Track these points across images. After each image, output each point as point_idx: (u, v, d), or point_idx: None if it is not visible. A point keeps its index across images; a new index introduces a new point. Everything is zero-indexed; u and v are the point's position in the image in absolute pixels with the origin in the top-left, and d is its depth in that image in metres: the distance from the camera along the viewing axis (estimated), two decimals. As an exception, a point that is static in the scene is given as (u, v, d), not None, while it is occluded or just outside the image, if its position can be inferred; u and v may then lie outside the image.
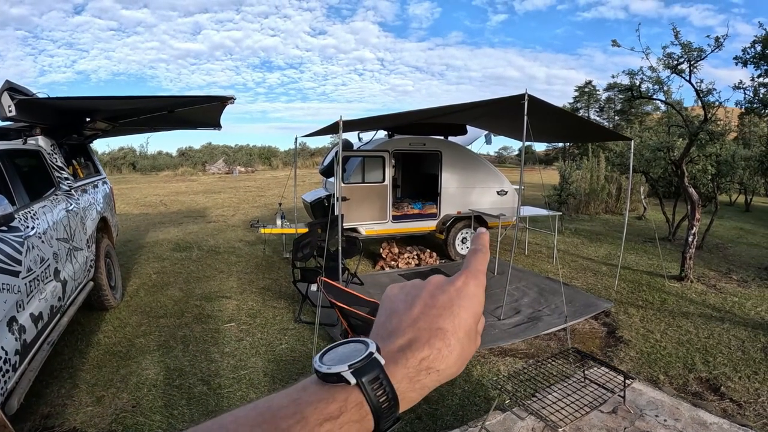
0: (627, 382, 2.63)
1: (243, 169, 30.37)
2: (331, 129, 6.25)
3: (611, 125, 39.91)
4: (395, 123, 7.49)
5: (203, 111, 5.78)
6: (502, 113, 6.53)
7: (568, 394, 2.57)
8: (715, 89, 6.61)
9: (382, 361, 0.44)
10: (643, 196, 13.86)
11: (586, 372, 2.83)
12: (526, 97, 5.12)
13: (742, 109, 7.36)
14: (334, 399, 0.42)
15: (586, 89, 46.08)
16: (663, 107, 8.34)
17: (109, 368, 4.28)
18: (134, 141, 32.92)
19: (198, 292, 6.43)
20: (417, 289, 0.52)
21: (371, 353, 0.44)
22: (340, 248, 5.60)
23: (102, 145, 36.70)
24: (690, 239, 7.22)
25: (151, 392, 3.90)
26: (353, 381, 0.42)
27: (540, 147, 47.78)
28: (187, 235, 10.15)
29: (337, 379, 0.42)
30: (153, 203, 15.51)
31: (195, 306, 5.91)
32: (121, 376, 4.13)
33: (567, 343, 4.84)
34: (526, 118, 5.12)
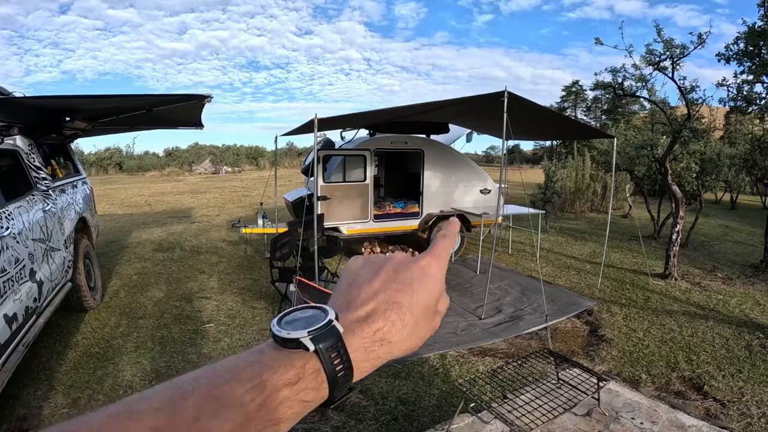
0: (600, 384, 2.53)
1: (230, 169, 30.14)
2: (307, 127, 6.09)
3: (598, 124, 40.13)
4: (373, 121, 7.36)
5: (183, 110, 5.66)
6: (483, 111, 6.44)
7: (540, 396, 2.47)
8: (698, 86, 6.58)
9: (341, 329, 0.44)
10: (628, 195, 13.85)
11: (560, 373, 2.73)
12: (505, 94, 5.02)
13: (726, 107, 7.33)
14: (292, 365, 0.42)
15: (573, 89, 46.30)
16: (648, 106, 8.33)
17: (86, 370, 4.19)
18: (120, 141, 32.71)
19: (178, 293, 6.33)
20: (380, 263, 0.54)
21: (330, 320, 0.44)
22: (316, 248, 5.46)
23: (88, 146, 36.39)
24: (674, 237, 7.18)
25: (127, 394, 3.77)
26: (312, 348, 0.42)
27: (527, 146, 48.05)
28: (170, 236, 10.02)
29: (296, 345, 0.42)
30: (138, 203, 15.35)
31: (174, 307, 5.80)
32: (98, 378, 4.04)
33: (548, 342, 4.75)
34: (506, 115, 5.02)
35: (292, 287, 5.21)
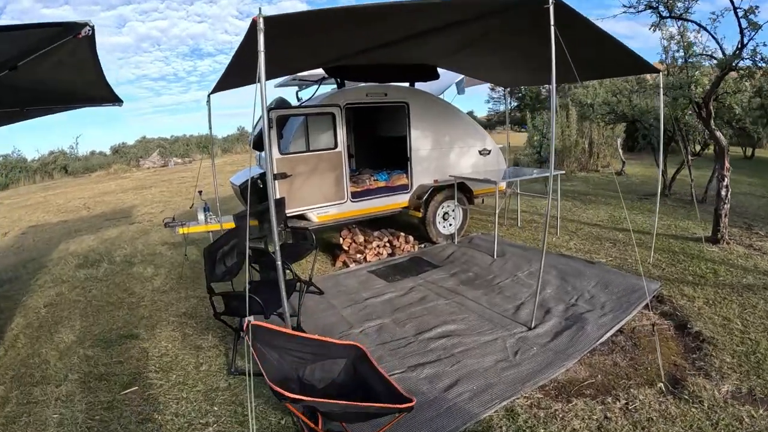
0: None
1: (180, 161, 28.18)
2: (247, 56, 3.34)
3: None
4: (350, 30, 4.21)
5: (70, 66, 3.80)
6: (502, 34, 4.49)
7: None
8: (758, 8, 5.06)
9: None
10: (620, 149, 12.72)
11: None
12: (551, 1, 3.22)
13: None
14: None
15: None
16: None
17: None
18: (63, 143, 30.37)
19: (94, 332, 4.55)
20: None
21: None
22: (278, 248, 3.26)
23: (31, 152, 33.97)
24: (723, 193, 5.95)
25: None
26: None
27: (482, 111, 46.16)
28: (101, 244, 8.26)
29: None
30: (75, 208, 13.59)
31: (86, 358, 4.02)
32: None
33: (656, 357, 3.22)
34: (553, 29, 3.22)
35: (250, 318, 3.24)
